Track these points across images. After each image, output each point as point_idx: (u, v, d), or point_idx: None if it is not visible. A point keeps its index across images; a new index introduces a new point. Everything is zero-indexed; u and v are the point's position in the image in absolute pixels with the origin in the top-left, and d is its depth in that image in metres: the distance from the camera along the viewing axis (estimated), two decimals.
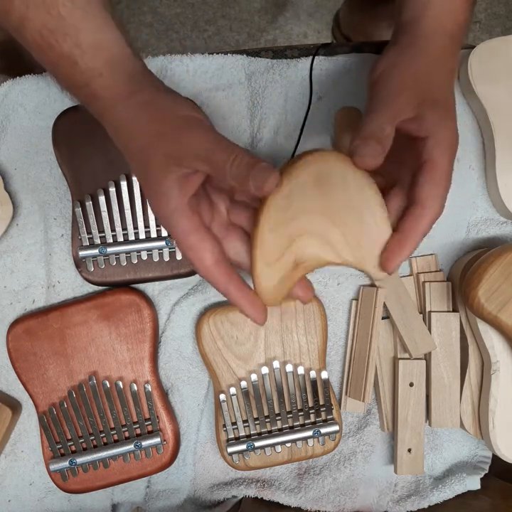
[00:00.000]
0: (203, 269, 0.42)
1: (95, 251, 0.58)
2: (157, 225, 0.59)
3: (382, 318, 0.60)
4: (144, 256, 0.59)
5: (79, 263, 0.59)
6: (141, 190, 0.58)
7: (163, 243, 0.58)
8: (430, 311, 0.60)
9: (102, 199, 0.58)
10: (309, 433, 0.59)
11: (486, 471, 0.63)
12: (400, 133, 0.43)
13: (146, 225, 0.59)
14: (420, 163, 0.44)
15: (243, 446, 0.58)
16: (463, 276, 0.58)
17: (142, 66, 0.45)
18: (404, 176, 0.46)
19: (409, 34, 0.48)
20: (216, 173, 0.40)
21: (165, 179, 0.41)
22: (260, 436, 0.59)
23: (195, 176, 0.41)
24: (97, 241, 0.58)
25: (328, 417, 0.59)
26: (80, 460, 0.58)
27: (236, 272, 0.44)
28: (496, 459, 0.62)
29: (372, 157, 0.41)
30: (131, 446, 0.58)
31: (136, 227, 0.59)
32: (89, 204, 0.58)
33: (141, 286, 0.62)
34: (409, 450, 0.60)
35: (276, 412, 0.59)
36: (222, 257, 0.43)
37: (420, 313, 0.61)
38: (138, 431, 0.59)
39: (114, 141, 0.44)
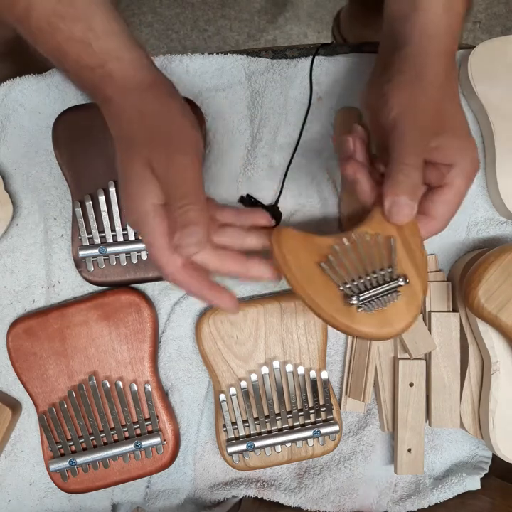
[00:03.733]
0: (174, 270, 0.43)
1: (95, 251, 0.58)
2: None
3: None
4: (144, 256, 0.59)
5: (79, 263, 0.59)
6: None
7: None
8: (430, 311, 0.60)
9: (102, 199, 0.58)
10: (309, 433, 0.59)
11: (486, 471, 0.63)
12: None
13: None
14: (442, 183, 0.45)
15: (243, 446, 0.58)
16: (463, 276, 0.58)
17: (151, 58, 0.46)
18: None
19: (413, 60, 0.47)
20: (167, 203, 0.42)
21: (145, 180, 0.42)
22: (260, 436, 0.59)
23: None
24: (97, 241, 0.58)
25: (328, 417, 0.59)
26: (80, 460, 0.58)
27: (204, 272, 0.44)
28: (496, 459, 0.62)
29: (408, 216, 0.43)
30: (131, 446, 0.58)
31: None
32: (89, 204, 0.58)
33: (141, 286, 0.62)
34: (409, 450, 0.60)
35: (277, 412, 0.59)
36: (189, 260, 0.43)
37: (420, 313, 0.61)
38: (138, 431, 0.59)
39: (111, 125, 0.44)
